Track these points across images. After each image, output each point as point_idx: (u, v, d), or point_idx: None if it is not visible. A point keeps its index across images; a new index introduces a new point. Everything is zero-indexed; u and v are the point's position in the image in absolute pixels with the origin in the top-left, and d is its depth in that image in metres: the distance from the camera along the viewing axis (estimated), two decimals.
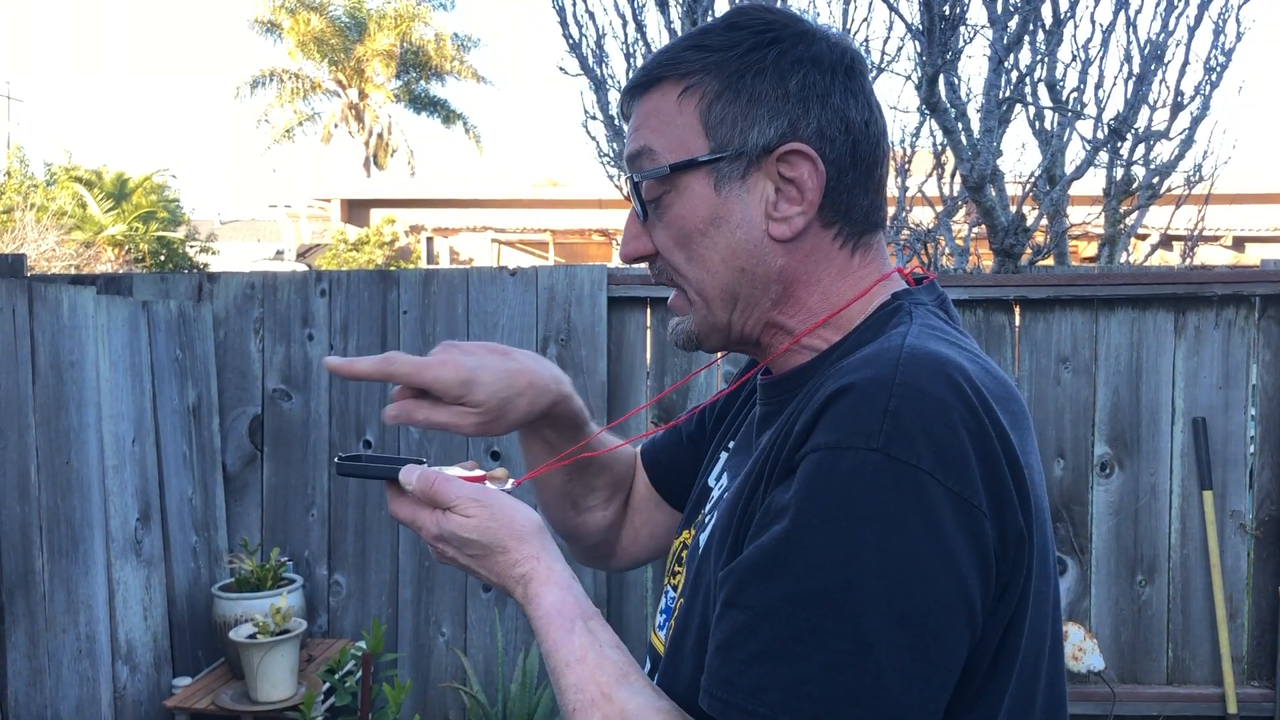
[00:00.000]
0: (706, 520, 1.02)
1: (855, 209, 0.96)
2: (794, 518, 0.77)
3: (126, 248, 16.47)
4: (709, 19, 4.49)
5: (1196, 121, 5.01)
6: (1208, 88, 4.94)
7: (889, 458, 0.75)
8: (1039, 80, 4.89)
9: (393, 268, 12.09)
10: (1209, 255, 12.60)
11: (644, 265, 1.04)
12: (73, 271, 13.07)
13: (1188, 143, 5.08)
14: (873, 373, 0.80)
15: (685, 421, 1.31)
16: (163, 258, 17.20)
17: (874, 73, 5.11)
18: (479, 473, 1.01)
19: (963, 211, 5.51)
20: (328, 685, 3.23)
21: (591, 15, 4.71)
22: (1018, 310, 3.47)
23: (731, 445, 1.13)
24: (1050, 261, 5.03)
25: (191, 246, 18.70)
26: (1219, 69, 4.92)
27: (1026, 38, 4.41)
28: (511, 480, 1.04)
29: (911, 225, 5.43)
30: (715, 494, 1.07)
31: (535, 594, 0.93)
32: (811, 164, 0.93)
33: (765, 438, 0.95)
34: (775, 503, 0.81)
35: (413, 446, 3.61)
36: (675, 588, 1.08)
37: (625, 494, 1.35)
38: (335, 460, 1.02)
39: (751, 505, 0.87)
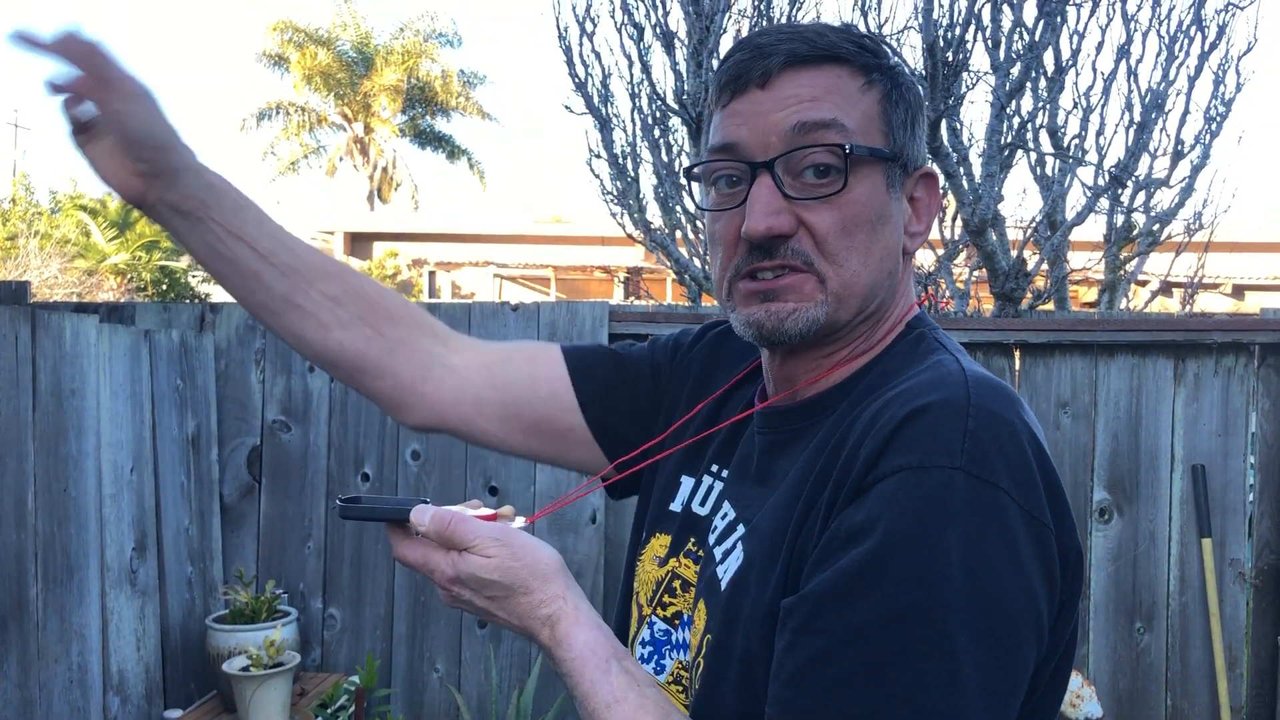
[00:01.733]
0: (720, 552, 0.99)
1: None
2: (881, 538, 0.76)
3: (129, 276, 16.52)
4: (714, 61, 4.54)
5: (1197, 170, 5.06)
6: (1208, 137, 4.99)
7: (972, 477, 0.76)
8: (1040, 126, 4.93)
9: None
10: (1209, 303, 12.64)
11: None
12: (75, 299, 13.10)
13: (1188, 191, 5.12)
14: (945, 395, 0.81)
15: (625, 351, 1.26)
16: (165, 287, 17.23)
17: None
18: (487, 511, 0.97)
19: (964, 255, 5.53)
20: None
21: (597, 55, 4.76)
22: (1018, 354, 3.48)
23: (717, 469, 1.10)
24: (1051, 306, 5.05)
25: (194, 276, 18.73)
26: (1219, 118, 4.97)
27: (1029, 84, 4.45)
28: (522, 518, 1.00)
29: (914, 267, 5.46)
30: (719, 524, 1.02)
31: (565, 635, 0.89)
32: (937, 189, 0.99)
33: (794, 464, 0.94)
34: (846, 525, 0.80)
35: (410, 480, 3.61)
36: (668, 620, 1.05)
37: (385, 324, 1.22)
38: (336, 503, 0.96)
39: (805, 534, 0.86)
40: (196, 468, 3.51)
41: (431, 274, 17.03)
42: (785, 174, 0.92)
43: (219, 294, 18.52)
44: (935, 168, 4.89)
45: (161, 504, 3.27)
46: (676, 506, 1.12)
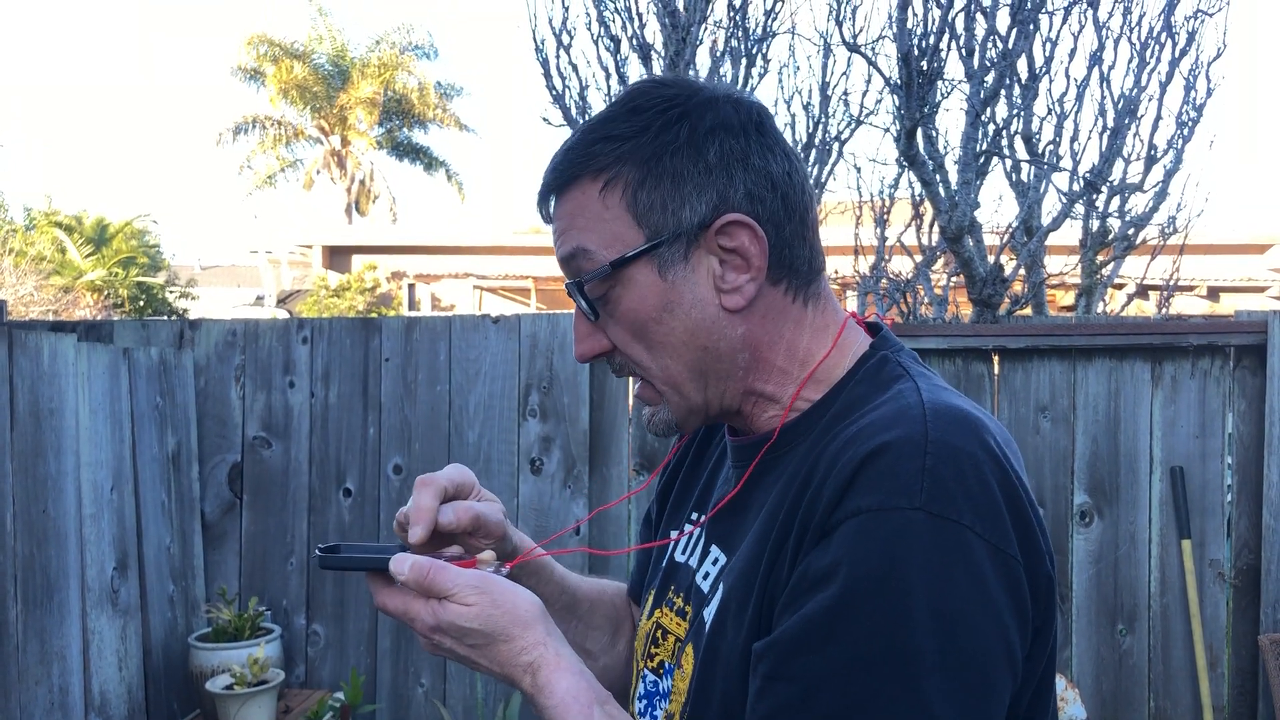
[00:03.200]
0: (708, 597, 0.98)
1: (798, 260, 0.96)
2: (844, 583, 0.77)
3: (106, 293, 16.41)
4: (690, 73, 4.55)
5: (1170, 174, 5.11)
6: (1180, 141, 5.04)
7: (932, 516, 0.76)
8: (1015, 133, 4.97)
9: (374, 314, 12.08)
10: (1184, 305, 12.74)
11: None
12: (51, 316, 13.02)
13: (1161, 195, 5.17)
14: (903, 432, 0.81)
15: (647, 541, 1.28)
16: (142, 303, 17.13)
17: (853, 125, 5.19)
18: (466, 557, 0.97)
19: (941, 261, 5.57)
20: None
21: (575, 67, 4.76)
22: (996, 360, 3.50)
23: (697, 516, 1.10)
24: (1028, 311, 5.09)
25: (171, 292, 18.65)
26: (1191, 123, 5.02)
27: (1003, 92, 4.49)
28: (504, 563, 1.00)
29: (891, 275, 5.48)
30: (706, 569, 1.02)
31: (547, 682, 0.89)
32: (750, 231, 0.92)
33: (768, 497, 0.93)
34: (813, 569, 0.80)
35: (393, 495, 3.60)
36: (655, 670, 1.06)
37: (630, 633, 1.28)
38: (315, 553, 0.97)
39: (775, 574, 0.86)
40: (177, 485, 3.49)
41: (411, 286, 17.00)
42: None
43: (196, 309, 18.44)
44: (897, 180, 4.88)
45: (142, 522, 3.25)
46: (665, 561, 1.13)
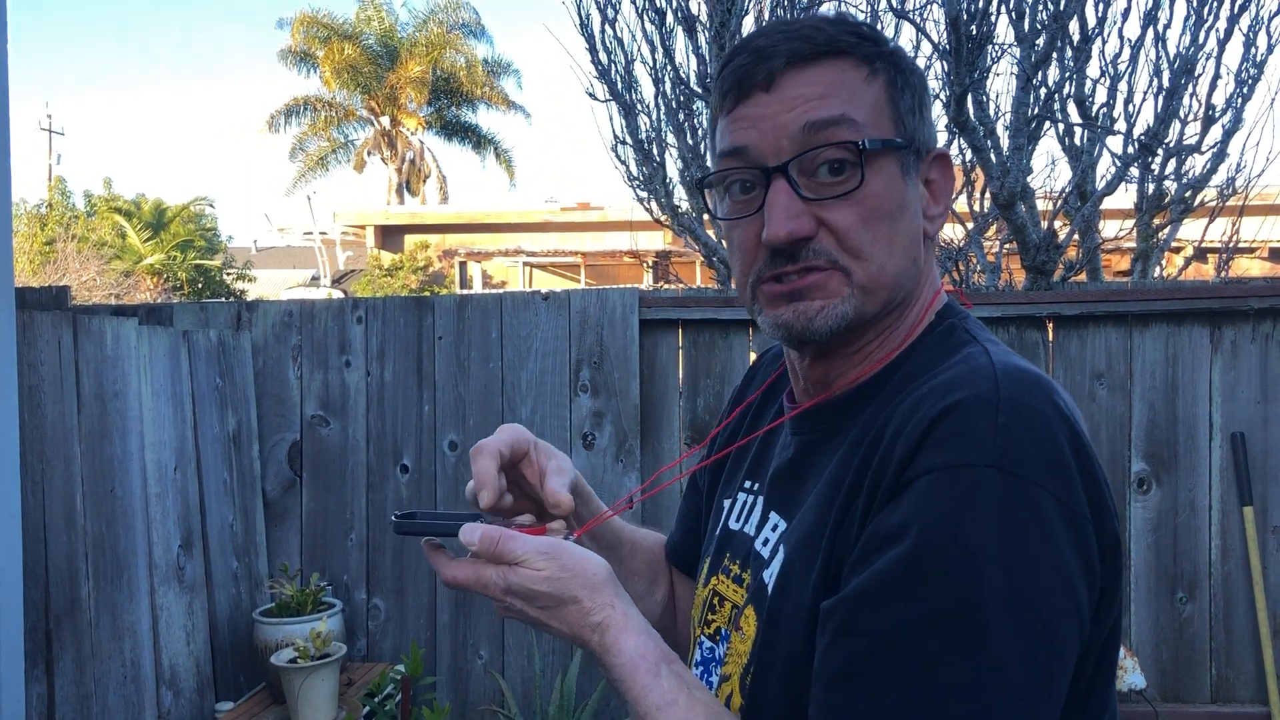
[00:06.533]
0: (768, 561, 0.99)
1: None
2: (916, 539, 0.77)
3: (165, 276, 16.72)
4: (736, 43, 4.52)
5: (1229, 134, 4.99)
6: (1239, 100, 4.92)
7: (1005, 473, 0.76)
8: (1068, 96, 4.88)
9: (427, 293, 12.18)
10: (1246, 267, 12.44)
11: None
12: (113, 300, 13.29)
13: (1220, 156, 5.05)
14: (975, 391, 0.81)
15: (689, 511, 1.30)
16: (200, 285, 17.44)
17: None
18: (536, 525, 1.00)
19: (994, 228, 5.50)
20: (367, 709, 3.25)
21: (620, 42, 4.76)
22: (1051, 327, 3.46)
23: (751, 484, 1.11)
24: (1083, 277, 5.01)
25: (228, 274, 18.95)
26: (1250, 81, 4.89)
27: (1054, 54, 4.41)
28: (573, 531, 1.03)
29: (943, 242, 5.43)
30: (765, 535, 1.03)
31: (614, 642, 0.90)
32: (951, 168, 0.97)
33: (830, 462, 0.94)
34: (884, 526, 0.80)
35: (449, 470, 3.65)
36: (710, 637, 1.07)
37: (669, 577, 1.31)
38: (392, 519, 1.00)
39: (843, 534, 0.86)
40: (239, 464, 3.56)
41: (462, 264, 17.13)
42: (800, 175, 0.92)
43: (254, 291, 18.71)
44: (949, 148, 4.83)
45: (206, 501, 3.32)
46: (718, 529, 1.15)
